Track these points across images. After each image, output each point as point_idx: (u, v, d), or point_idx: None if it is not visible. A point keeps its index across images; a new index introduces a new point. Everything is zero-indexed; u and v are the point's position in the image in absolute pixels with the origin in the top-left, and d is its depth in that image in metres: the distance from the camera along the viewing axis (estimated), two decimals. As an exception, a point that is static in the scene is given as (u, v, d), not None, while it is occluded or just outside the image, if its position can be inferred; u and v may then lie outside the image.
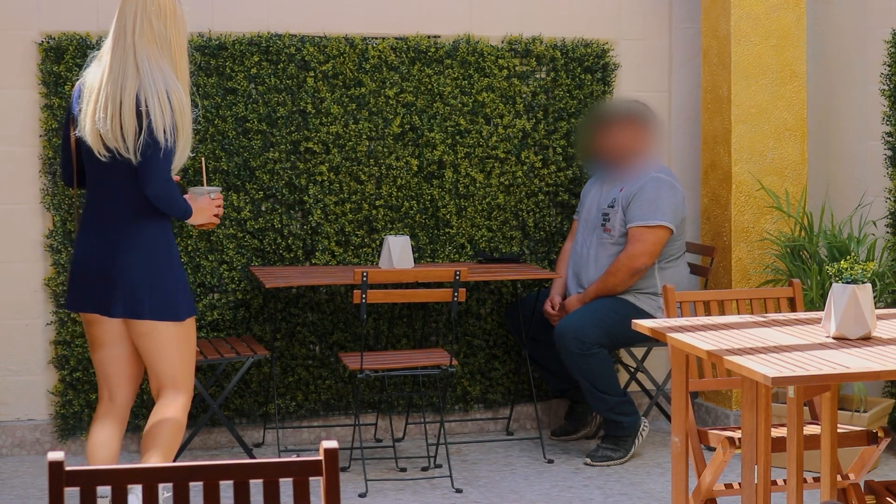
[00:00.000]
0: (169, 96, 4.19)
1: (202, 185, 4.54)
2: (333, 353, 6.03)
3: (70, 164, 4.44)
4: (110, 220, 4.30)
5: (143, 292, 4.27)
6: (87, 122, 4.25)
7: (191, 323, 4.39)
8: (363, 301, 5.15)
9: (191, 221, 4.42)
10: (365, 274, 5.13)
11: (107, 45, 4.29)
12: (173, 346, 4.33)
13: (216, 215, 4.48)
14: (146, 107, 4.16)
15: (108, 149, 4.23)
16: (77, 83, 4.38)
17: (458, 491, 5.28)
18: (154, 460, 4.25)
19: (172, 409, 4.34)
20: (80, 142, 4.31)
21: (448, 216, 6.10)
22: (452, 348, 5.48)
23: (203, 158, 4.95)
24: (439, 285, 5.71)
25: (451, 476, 5.38)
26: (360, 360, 5.28)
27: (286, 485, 2.47)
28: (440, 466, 5.58)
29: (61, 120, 5.68)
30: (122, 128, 4.19)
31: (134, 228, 4.29)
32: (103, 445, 4.37)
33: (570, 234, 6.08)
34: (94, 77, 4.27)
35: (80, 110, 4.28)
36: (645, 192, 5.69)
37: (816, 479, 4.17)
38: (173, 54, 4.27)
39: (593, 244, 5.81)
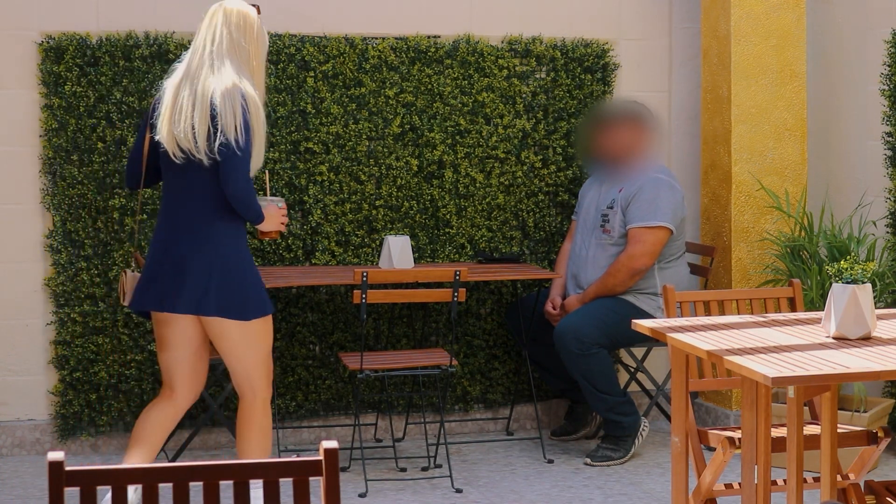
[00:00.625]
0: (244, 99, 4.33)
1: (266, 195, 4.74)
2: (333, 353, 6.03)
3: (139, 165, 4.58)
4: (184, 221, 4.43)
5: (210, 290, 4.39)
6: (163, 126, 4.40)
7: (262, 323, 4.49)
8: (363, 301, 5.16)
9: (261, 227, 4.56)
10: (365, 274, 5.13)
11: (187, 53, 4.47)
12: (244, 346, 4.47)
13: (282, 223, 4.63)
14: (222, 109, 4.29)
15: (182, 151, 4.38)
16: (160, 91, 4.49)
17: (458, 491, 5.28)
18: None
19: (252, 414, 4.56)
20: (158, 145, 4.45)
21: (448, 216, 6.10)
22: (452, 348, 5.48)
23: (267, 171, 5.01)
24: (439, 285, 5.71)
25: (451, 476, 5.38)
26: (360, 360, 5.29)
27: (286, 485, 2.47)
28: (440, 466, 5.58)
29: (61, 120, 5.69)
30: (194, 129, 4.33)
31: (206, 228, 4.41)
32: (157, 425, 4.57)
33: (568, 234, 6.08)
34: (172, 83, 4.42)
35: (158, 115, 4.42)
36: (644, 192, 5.69)
37: (816, 479, 4.17)
38: (251, 65, 4.44)
39: (592, 245, 5.81)
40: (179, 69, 4.45)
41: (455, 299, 5.21)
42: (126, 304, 4.62)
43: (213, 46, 4.39)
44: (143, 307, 4.51)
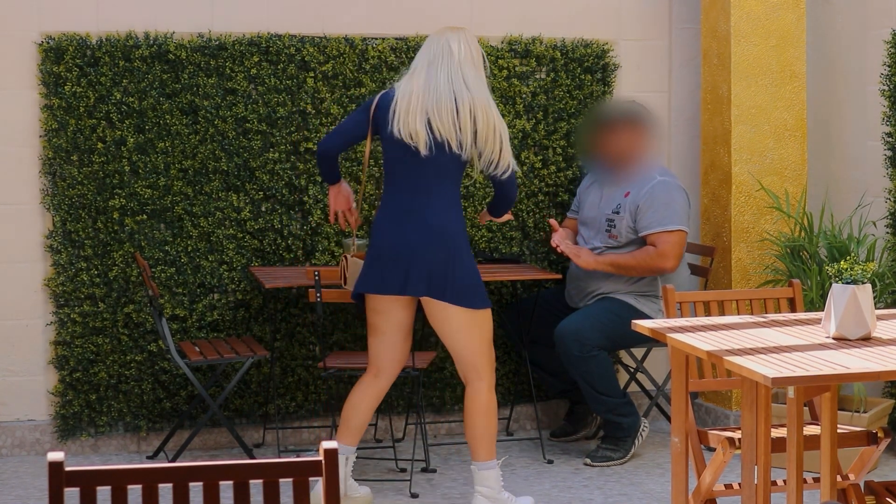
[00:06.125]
0: (489, 110, 4.81)
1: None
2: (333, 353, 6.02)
3: (347, 144, 5.00)
4: (421, 212, 4.80)
5: (447, 277, 4.77)
6: (412, 122, 4.78)
7: (486, 314, 4.86)
8: (318, 300, 5.22)
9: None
10: (317, 273, 5.21)
11: (423, 61, 4.86)
12: (466, 330, 4.83)
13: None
14: (488, 120, 4.79)
15: (436, 143, 4.77)
16: (382, 94, 4.91)
17: (459, 491, 5.28)
18: (481, 451, 4.89)
19: (479, 398, 4.89)
20: (391, 144, 4.85)
21: (448, 216, 6.09)
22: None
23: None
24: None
25: (450, 476, 5.37)
26: (323, 358, 5.31)
27: (286, 485, 2.47)
28: (440, 467, 5.58)
29: (61, 120, 5.69)
30: (458, 127, 4.77)
31: (444, 220, 4.80)
32: (358, 414, 5.00)
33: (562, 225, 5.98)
34: (413, 85, 4.82)
35: (395, 112, 4.81)
36: (657, 197, 5.63)
37: (816, 480, 4.17)
38: (484, 80, 4.90)
39: (598, 250, 5.76)
40: (418, 73, 4.83)
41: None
42: (349, 287, 5.04)
43: (460, 57, 4.83)
44: (381, 292, 4.85)
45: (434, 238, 4.77)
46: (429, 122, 4.78)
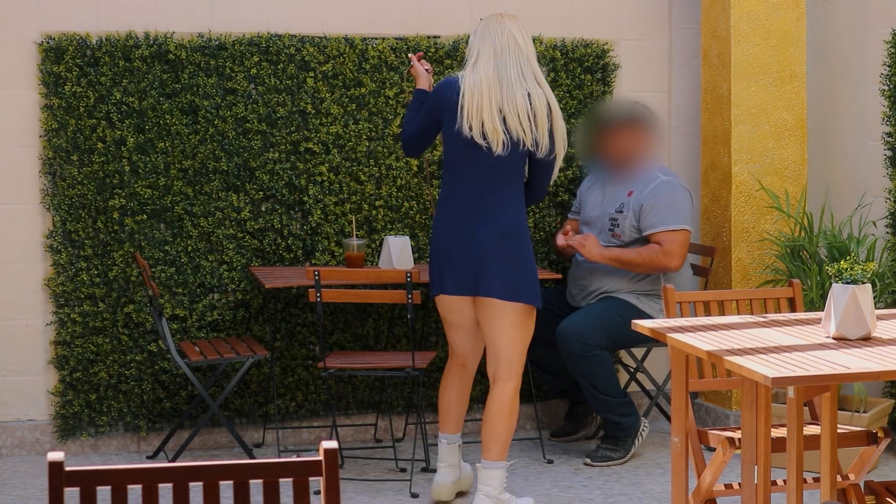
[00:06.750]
0: (551, 108, 4.73)
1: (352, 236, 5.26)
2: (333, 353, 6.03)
3: (428, 142, 4.92)
4: (493, 212, 4.73)
5: (520, 277, 4.74)
6: (488, 119, 4.66)
7: (534, 314, 4.85)
8: (318, 300, 5.20)
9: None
10: (317, 273, 5.18)
11: (487, 50, 4.71)
12: (518, 327, 4.80)
13: None
14: (550, 113, 4.71)
15: (512, 142, 4.66)
16: (444, 82, 4.80)
17: (459, 491, 5.28)
18: (494, 450, 4.85)
19: (503, 398, 4.85)
20: (457, 140, 4.72)
21: (448, 216, 6.08)
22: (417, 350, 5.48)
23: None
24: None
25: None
26: (323, 357, 5.30)
27: (286, 485, 2.47)
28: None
29: (61, 120, 5.68)
30: (535, 126, 4.68)
31: (516, 219, 4.75)
32: (457, 403, 5.07)
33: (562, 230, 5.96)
34: (482, 78, 4.67)
35: (463, 108, 4.67)
36: (662, 196, 5.63)
37: (816, 480, 4.17)
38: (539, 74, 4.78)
39: None
40: (482, 64, 4.68)
41: (410, 301, 5.16)
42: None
43: (527, 50, 4.71)
44: (453, 292, 4.83)
45: (508, 238, 4.74)
46: (504, 120, 4.66)
